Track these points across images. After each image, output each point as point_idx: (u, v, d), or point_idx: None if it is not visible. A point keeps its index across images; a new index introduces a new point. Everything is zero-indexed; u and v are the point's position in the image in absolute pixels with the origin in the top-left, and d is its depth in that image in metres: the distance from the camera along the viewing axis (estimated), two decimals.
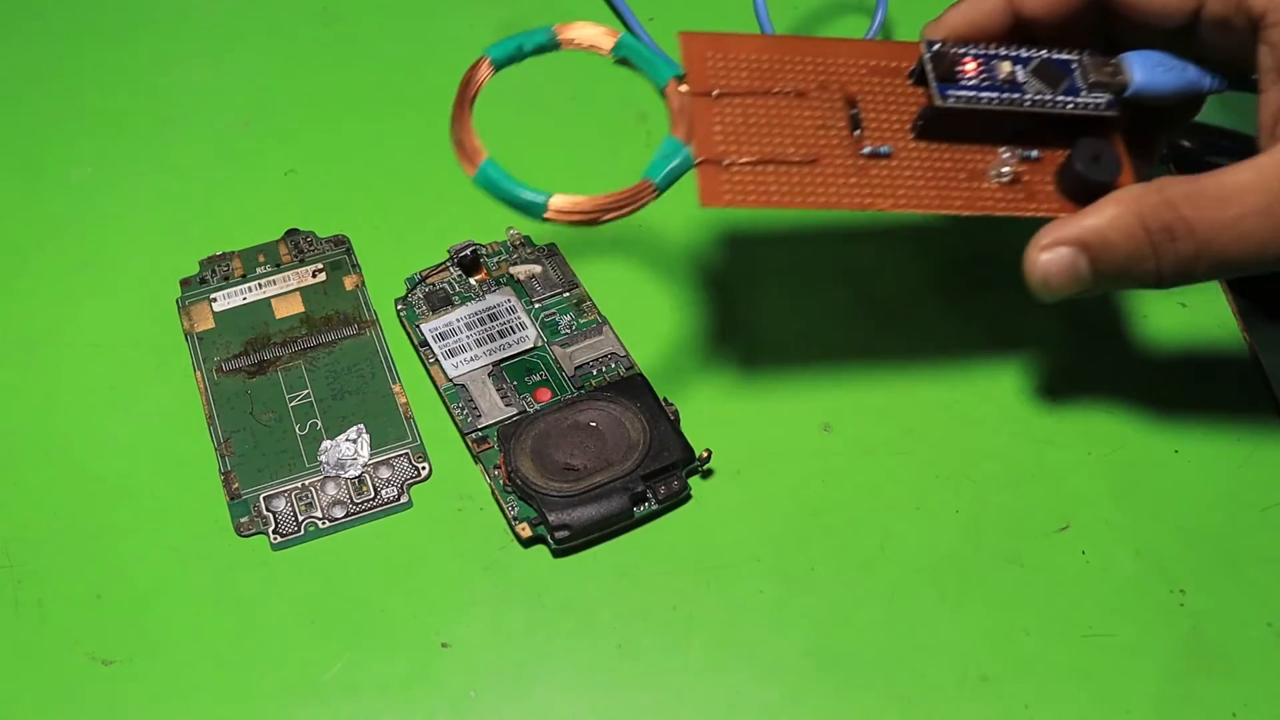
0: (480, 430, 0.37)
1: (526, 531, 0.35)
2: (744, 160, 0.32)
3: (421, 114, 0.45)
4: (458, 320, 0.39)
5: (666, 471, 0.35)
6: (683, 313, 0.40)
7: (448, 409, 0.37)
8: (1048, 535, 0.35)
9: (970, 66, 0.33)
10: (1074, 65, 0.34)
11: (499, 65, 0.33)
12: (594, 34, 0.33)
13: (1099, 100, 0.33)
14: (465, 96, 0.32)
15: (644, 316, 0.39)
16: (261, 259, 0.41)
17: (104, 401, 0.38)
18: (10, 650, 0.34)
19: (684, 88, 0.33)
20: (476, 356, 0.38)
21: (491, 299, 0.39)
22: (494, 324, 0.39)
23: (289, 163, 0.44)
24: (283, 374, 0.38)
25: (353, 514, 0.36)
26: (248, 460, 0.37)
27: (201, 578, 0.35)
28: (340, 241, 0.41)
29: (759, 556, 0.35)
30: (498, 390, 0.37)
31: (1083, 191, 0.33)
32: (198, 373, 0.38)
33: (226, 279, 0.40)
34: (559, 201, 0.31)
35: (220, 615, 0.34)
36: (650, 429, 0.36)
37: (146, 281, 0.41)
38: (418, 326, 0.39)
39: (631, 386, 0.37)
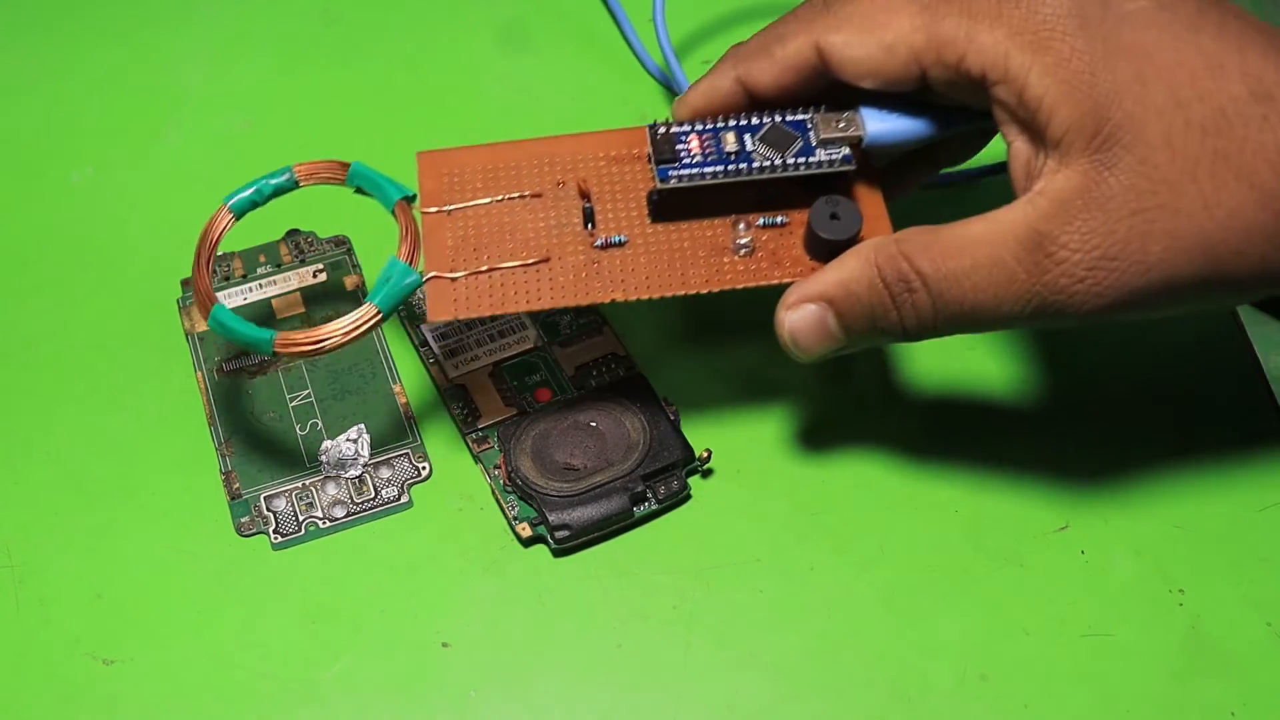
0: (480, 430, 0.37)
1: (526, 531, 0.35)
2: (471, 271, 0.33)
3: (421, 114, 0.45)
4: (458, 320, 0.39)
5: (666, 471, 0.35)
6: (683, 312, 0.40)
7: (448, 409, 0.37)
8: (1047, 535, 0.35)
9: (694, 144, 0.33)
10: (808, 125, 0.33)
11: (239, 213, 0.35)
12: (327, 168, 0.35)
13: (834, 156, 0.33)
14: (204, 245, 0.34)
15: (644, 317, 0.39)
16: (262, 259, 0.41)
17: (104, 401, 0.38)
18: (10, 650, 0.34)
19: (417, 207, 0.34)
20: (476, 356, 0.38)
21: None
22: (494, 324, 0.39)
23: (289, 163, 0.44)
24: (283, 374, 0.38)
25: (353, 514, 0.36)
26: (248, 460, 0.37)
27: (201, 578, 0.35)
28: (340, 242, 0.41)
29: (759, 556, 0.35)
30: (498, 390, 0.37)
31: (827, 251, 0.33)
32: (198, 373, 0.38)
33: (227, 279, 0.40)
34: (285, 336, 0.33)
35: (220, 615, 0.34)
36: (650, 429, 0.36)
37: (146, 281, 0.41)
38: (418, 326, 0.39)
39: (631, 386, 0.37)
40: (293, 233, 0.41)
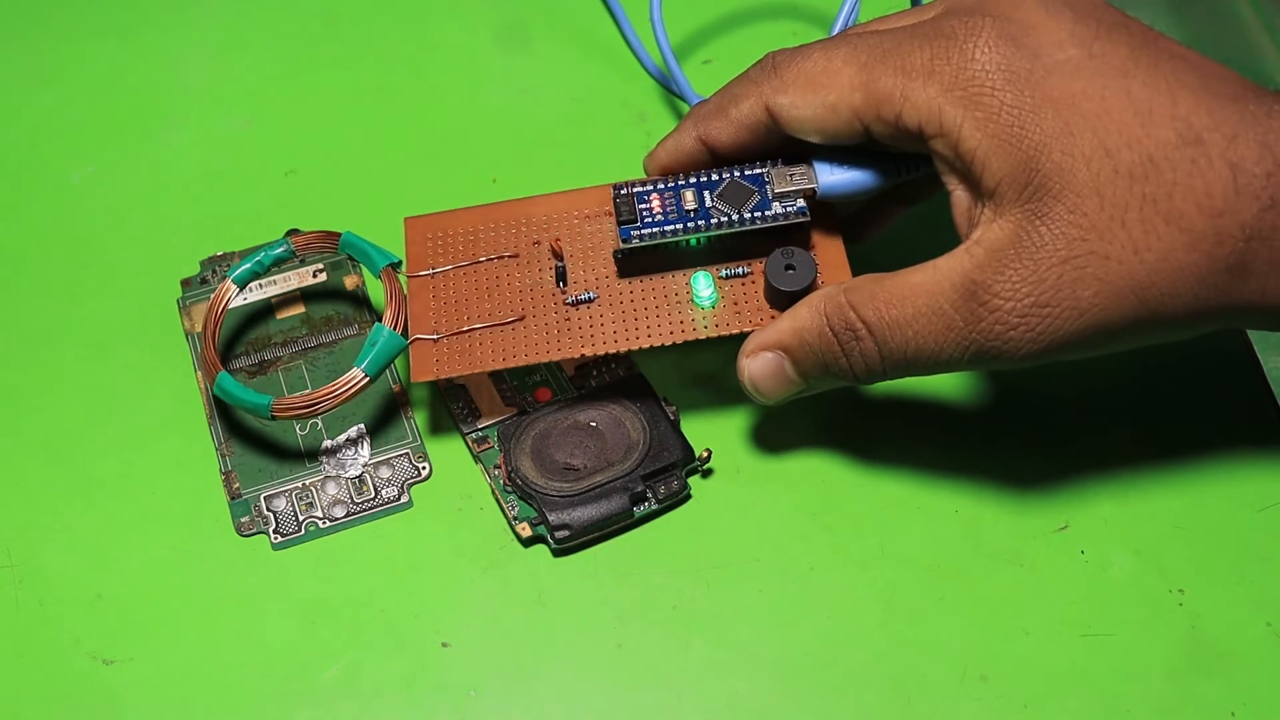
0: (480, 430, 0.37)
1: (526, 531, 0.35)
2: (452, 332, 0.35)
3: (420, 115, 0.45)
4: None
5: (666, 471, 0.35)
6: None
7: (448, 409, 0.37)
8: (1047, 535, 0.35)
9: (655, 203, 0.34)
10: (765, 178, 0.34)
11: (242, 284, 0.37)
12: (320, 239, 0.38)
13: (789, 209, 0.34)
14: (211, 316, 0.36)
15: None
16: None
17: (104, 401, 0.38)
18: (10, 650, 0.34)
19: (403, 272, 0.36)
20: None
21: None
22: None
23: (289, 163, 0.44)
24: (283, 374, 0.38)
25: (353, 514, 0.36)
26: (248, 460, 0.37)
27: (201, 578, 0.35)
28: None
29: (759, 556, 0.35)
30: (498, 390, 0.37)
31: (785, 301, 0.34)
32: (198, 373, 0.38)
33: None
34: (281, 402, 0.35)
35: (220, 615, 0.34)
36: (650, 429, 0.36)
37: (146, 281, 0.41)
38: None
39: (631, 386, 0.37)
40: (293, 233, 0.41)
